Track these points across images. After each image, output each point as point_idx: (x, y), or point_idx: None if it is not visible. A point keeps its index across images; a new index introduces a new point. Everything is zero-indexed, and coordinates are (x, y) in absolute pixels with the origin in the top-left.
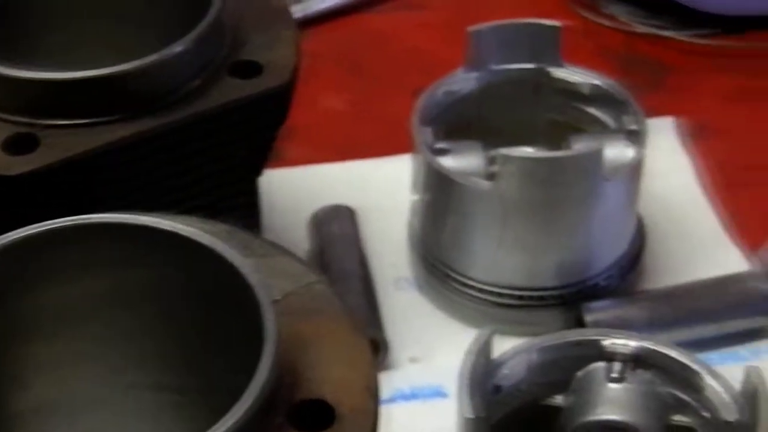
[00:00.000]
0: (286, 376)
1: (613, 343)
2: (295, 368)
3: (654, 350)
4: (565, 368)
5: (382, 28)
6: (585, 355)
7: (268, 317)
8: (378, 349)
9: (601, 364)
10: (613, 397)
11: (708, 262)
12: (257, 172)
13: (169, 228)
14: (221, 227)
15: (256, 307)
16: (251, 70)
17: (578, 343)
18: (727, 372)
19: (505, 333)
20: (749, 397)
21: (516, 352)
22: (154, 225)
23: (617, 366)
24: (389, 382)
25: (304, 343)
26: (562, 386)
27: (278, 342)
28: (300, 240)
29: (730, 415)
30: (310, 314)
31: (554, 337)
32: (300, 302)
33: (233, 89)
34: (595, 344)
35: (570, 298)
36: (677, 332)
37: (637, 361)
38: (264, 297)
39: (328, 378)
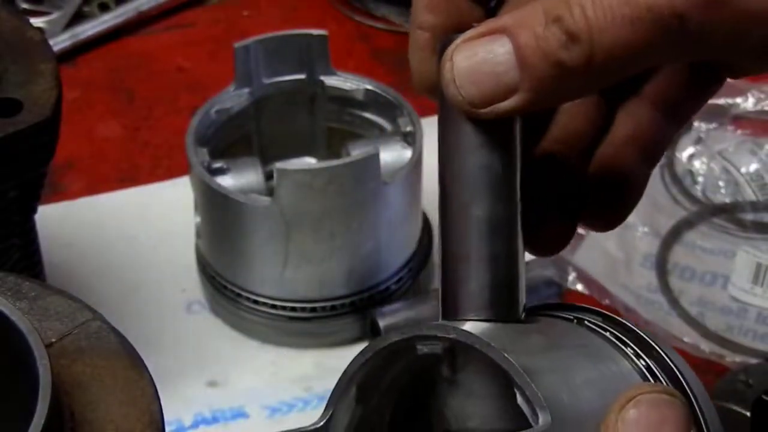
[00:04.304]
0: (67, 421)
1: None
2: (75, 411)
3: None
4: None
5: (152, 50)
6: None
7: (42, 364)
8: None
9: None
10: None
11: None
12: (31, 210)
13: None
14: None
15: (29, 354)
16: (10, 107)
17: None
18: None
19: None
20: None
21: None
22: None
23: None
24: (189, 409)
25: (82, 384)
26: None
27: (53, 389)
28: (85, 273)
29: None
30: (87, 354)
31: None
32: (76, 342)
33: None
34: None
35: (362, 305)
36: None
37: None
38: (36, 343)
39: (110, 417)
